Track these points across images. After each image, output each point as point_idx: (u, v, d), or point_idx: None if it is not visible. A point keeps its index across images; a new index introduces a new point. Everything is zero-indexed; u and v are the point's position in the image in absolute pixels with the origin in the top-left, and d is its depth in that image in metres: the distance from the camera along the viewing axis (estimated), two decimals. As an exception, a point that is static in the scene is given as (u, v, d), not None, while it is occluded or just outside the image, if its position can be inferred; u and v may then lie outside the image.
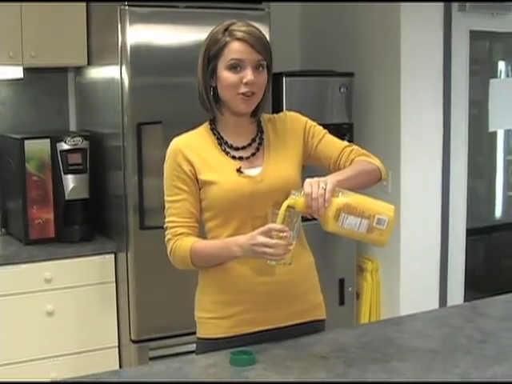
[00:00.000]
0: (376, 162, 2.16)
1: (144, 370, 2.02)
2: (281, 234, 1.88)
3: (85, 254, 3.43)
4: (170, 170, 2.08)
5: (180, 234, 2.05)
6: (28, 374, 3.28)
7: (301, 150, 2.15)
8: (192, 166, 2.05)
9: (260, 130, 2.14)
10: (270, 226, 1.89)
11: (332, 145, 2.18)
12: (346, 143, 2.20)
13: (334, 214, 1.89)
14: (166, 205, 2.09)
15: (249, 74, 1.99)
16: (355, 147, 2.19)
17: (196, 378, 1.88)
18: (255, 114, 2.11)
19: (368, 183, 2.14)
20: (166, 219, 2.09)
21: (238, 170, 2.05)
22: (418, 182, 3.93)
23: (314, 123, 2.20)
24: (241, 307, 2.08)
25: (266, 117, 2.18)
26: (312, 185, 1.88)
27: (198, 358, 2.05)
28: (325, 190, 1.87)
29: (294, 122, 2.18)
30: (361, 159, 2.14)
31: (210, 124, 2.13)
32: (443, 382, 1.80)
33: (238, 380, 1.82)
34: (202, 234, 2.11)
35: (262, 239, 1.88)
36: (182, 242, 2.04)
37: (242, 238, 1.96)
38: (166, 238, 2.08)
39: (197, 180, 2.05)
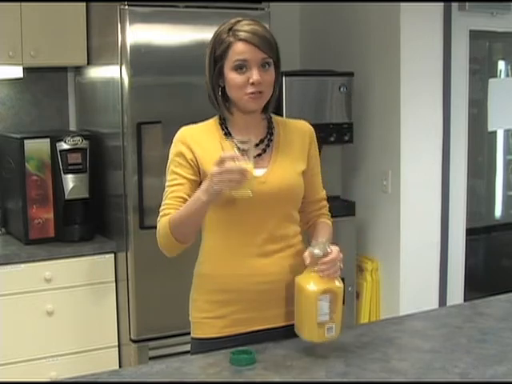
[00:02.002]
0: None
1: (144, 369, 2.01)
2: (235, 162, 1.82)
3: (84, 253, 3.43)
4: (172, 157, 2.07)
5: (168, 214, 2.00)
6: (28, 373, 3.28)
7: (306, 161, 2.15)
8: (194, 156, 2.03)
9: (270, 132, 2.13)
10: (222, 155, 1.84)
11: (317, 188, 2.22)
12: (324, 195, 2.25)
13: (322, 288, 1.92)
14: (165, 189, 2.07)
15: (254, 74, 1.98)
16: (327, 205, 2.26)
17: (196, 378, 1.88)
18: (265, 110, 2.10)
19: None
20: (162, 203, 2.05)
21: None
22: (418, 182, 3.92)
23: (318, 153, 2.21)
24: (235, 307, 2.07)
25: (278, 119, 2.18)
26: (339, 255, 1.97)
27: (197, 357, 2.04)
28: (340, 269, 1.95)
29: (306, 135, 2.17)
30: (328, 224, 2.22)
31: (220, 119, 2.12)
32: (443, 382, 1.80)
33: (238, 380, 1.82)
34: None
35: (216, 169, 1.83)
36: (164, 218, 2.00)
37: (204, 183, 1.92)
38: (157, 220, 2.05)
39: (199, 171, 2.03)
